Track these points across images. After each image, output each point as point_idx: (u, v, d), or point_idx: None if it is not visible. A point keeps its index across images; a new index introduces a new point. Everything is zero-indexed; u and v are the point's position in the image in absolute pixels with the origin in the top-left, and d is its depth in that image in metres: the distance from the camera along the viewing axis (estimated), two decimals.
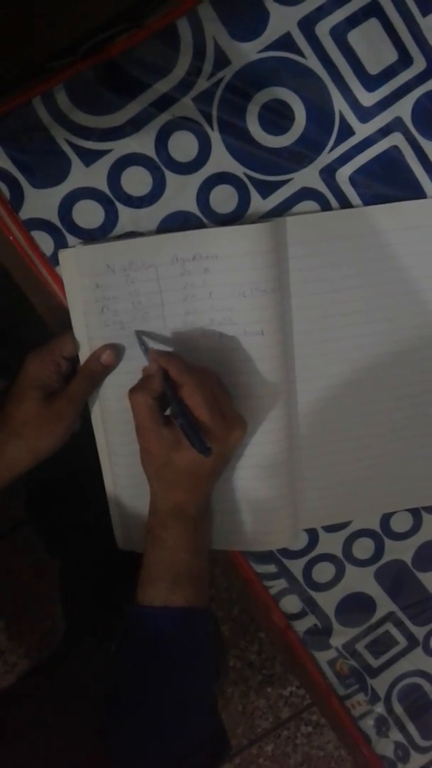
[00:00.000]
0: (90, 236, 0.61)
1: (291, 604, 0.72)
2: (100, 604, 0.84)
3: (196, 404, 0.57)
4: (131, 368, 0.62)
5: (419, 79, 0.61)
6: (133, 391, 0.59)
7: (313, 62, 0.60)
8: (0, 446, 0.61)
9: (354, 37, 0.59)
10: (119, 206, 0.61)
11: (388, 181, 0.63)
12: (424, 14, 0.60)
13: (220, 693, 1.31)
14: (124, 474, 0.66)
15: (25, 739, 0.64)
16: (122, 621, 0.60)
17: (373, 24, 0.59)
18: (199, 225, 0.62)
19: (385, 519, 0.71)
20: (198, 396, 0.57)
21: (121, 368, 0.63)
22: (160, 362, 0.59)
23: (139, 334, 0.61)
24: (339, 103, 0.61)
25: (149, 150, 0.60)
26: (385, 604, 0.73)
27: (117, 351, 0.62)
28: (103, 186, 0.60)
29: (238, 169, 0.61)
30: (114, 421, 0.64)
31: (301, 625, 0.72)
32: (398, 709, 0.74)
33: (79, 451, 0.65)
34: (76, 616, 0.90)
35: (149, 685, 0.58)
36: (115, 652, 0.61)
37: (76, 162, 0.59)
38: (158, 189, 0.61)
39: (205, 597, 0.62)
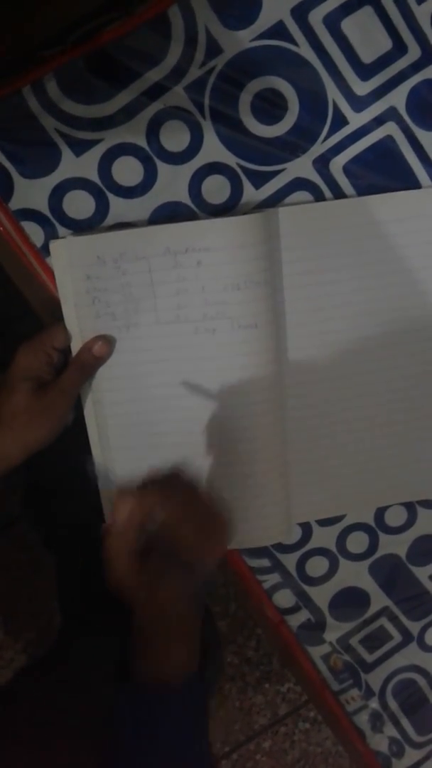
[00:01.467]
0: (80, 227, 0.61)
1: (284, 598, 0.71)
2: (97, 599, 0.83)
3: (174, 534, 0.53)
4: (123, 360, 0.62)
5: (414, 68, 0.60)
6: (108, 538, 0.53)
7: (306, 51, 0.59)
8: None
9: (348, 26, 0.59)
10: (110, 196, 0.60)
11: (382, 171, 0.62)
12: (419, 2, 0.59)
13: (217, 689, 1.31)
14: (117, 468, 0.66)
15: (22, 737, 0.63)
16: (115, 701, 0.56)
17: (367, 12, 0.59)
18: (191, 216, 0.61)
19: (380, 513, 0.71)
20: (175, 525, 0.53)
21: (114, 360, 0.62)
22: (129, 510, 0.53)
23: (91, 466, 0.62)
24: (332, 92, 0.60)
25: (140, 140, 0.59)
26: (379, 599, 0.72)
27: (109, 342, 0.62)
28: (93, 176, 0.60)
29: (230, 159, 0.61)
30: (106, 414, 0.64)
31: (295, 620, 0.72)
32: (393, 704, 0.74)
33: (75, 445, 0.65)
34: (73, 612, 0.90)
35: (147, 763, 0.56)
36: (110, 731, 0.58)
37: (66, 152, 0.59)
38: (149, 179, 0.60)
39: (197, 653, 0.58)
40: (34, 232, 0.61)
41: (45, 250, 0.61)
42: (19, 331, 0.96)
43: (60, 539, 0.96)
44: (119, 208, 0.61)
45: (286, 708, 1.36)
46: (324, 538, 0.71)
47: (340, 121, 0.61)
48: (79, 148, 0.59)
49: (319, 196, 0.62)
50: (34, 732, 0.59)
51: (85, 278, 0.60)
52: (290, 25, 0.58)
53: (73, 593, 0.92)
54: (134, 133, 0.59)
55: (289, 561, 0.70)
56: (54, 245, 0.60)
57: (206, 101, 0.59)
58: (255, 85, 0.59)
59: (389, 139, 0.62)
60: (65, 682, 0.66)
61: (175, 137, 0.60)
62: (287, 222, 0.61)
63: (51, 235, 0.61)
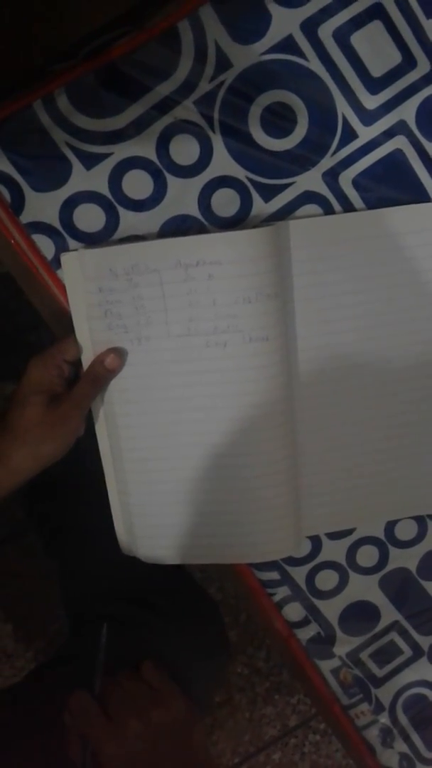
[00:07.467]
0: (91, 240, 0.61)
1: (294, 611, 0.71)
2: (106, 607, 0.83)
3: None
4: (135, 373, 0.62)
5: (423, 81, 0.60)
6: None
7: (315, 65, 0.59)
8: (3, 452, 0.60)
9: (357, 40, 0.59)
10: (120, 210, 0.60)
11: (391, 185, 0.62)
12: (428, 16, 0.59)
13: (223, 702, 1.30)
14: (128, 480, 0.66)
15: (24, 739, 0.63)
16: None
17: (376, 26, 0.59)
18: (201, 229, 0.61)
19: (390, 526, 0.70)
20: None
21: (125, 373, 0.62)
22: None
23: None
24: (342, 106, 0.60)
25: (150, 153, 0.59)
26: (389, 613, 0.72)
27: (121, 355, 0.62)
28: (104, 189, 0.60)
29: (240, 173, 0.61)
30: (118, 426, 0.64)
31: (304, 633, 0.71)
32: (403, 719, 0.73)
33: (82, 454, 0.65)
34: (78, 617, 0.89)
35: None
36: None
37: (77, 165, 0.59)
38: (159, 192, 0.60)
39: None
40: (45, 245, 0.61)
41: (56, 262, 0.61)
42: (32, 343, 0.96)
43: (64, 545, 0.95)
44: (129, 221, 0.61)
45: (297, 719, 1.35)
46: (334, 551, 0.70)
47: (349, 134, 0.61)
48: (90, 161, 0.59)
49: (328, 210, 0.62)
50: (36, 734, 0.59)
51: (97, 291, 0.60)
52: (300, 39, 0.58)
53: (78, 598, 0.91)
54: (144, 147, 0.59)
55: (299, 574, 0.70)
56: (66, 258, 0.60)
57: (216, 115, 0.59)
58: (264, 99, 0.59)
59: (399, 153, 0.61)
60: (68, 685, 0.66)
61: (185, 151, 0.60)
62: (297, 235, 0.61)
63: (62, 248, 0.61)
